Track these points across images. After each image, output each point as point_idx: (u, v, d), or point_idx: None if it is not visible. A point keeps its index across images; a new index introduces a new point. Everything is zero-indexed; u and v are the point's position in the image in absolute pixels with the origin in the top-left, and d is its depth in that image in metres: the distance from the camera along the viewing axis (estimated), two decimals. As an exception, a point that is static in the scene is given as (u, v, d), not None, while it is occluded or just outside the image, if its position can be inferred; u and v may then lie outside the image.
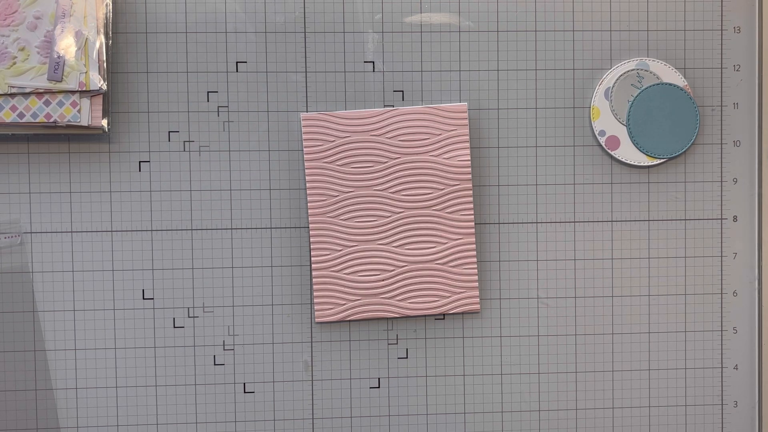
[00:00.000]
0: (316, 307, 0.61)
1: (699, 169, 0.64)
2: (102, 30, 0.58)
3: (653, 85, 0.62)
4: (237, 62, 0.61)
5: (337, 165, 0.61)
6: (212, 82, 0.61)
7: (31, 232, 0.60)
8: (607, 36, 0.63)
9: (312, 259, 0.61)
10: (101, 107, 0.58)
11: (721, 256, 0.64)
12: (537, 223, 0.62)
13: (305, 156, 0.60)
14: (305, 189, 0.61)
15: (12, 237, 0.60)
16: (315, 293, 0.61)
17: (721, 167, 0.64)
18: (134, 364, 0.61)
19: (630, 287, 0.63)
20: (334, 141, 0.61)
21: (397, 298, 0.61)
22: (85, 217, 0.61)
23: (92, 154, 0.61)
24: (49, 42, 0.57)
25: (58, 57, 0.57)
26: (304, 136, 0.61)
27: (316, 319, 0.61)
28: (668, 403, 0.64)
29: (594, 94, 0.63)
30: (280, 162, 0.61)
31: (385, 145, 0.61)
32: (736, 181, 0.64)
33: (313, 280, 0.61)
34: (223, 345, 0.62)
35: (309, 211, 0.60)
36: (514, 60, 0.62)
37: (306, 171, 0.61)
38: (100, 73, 0.57)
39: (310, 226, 0.61)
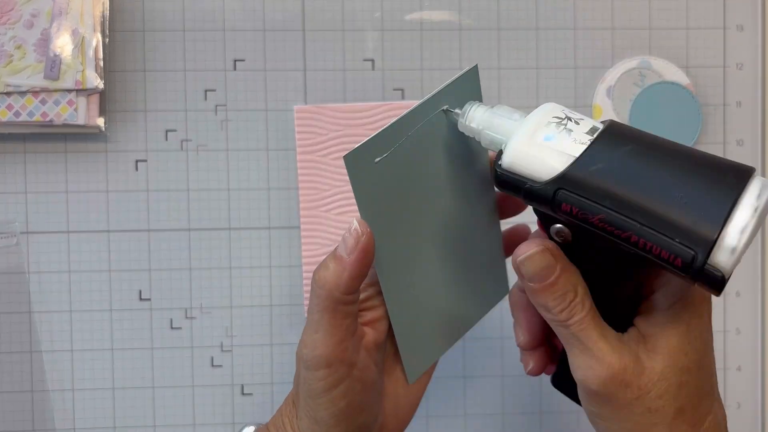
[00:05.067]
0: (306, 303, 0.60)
1: (701, 169, 0.64)
2: (99, 28, 0.57)
3: (655, 84, 0.62)
4: (235, 60, 0.61)
5: (330, 159, 0.60)
6: (210, 81, 0.60)
7: (27, 232, 0.60)
8: (609, 34, 0.63)
9: (303, 254, 0.60)
10: (98, 106, 0.58)
11: (724, 256, 0.64)
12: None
13: (298, 149, 0.60)
14: (304, 188, 0.61)
15: (8, 237, 0.60)
16: (305, 288, 0.60)
17: (724, 166, 0.64)
18: (131, 365, 0.61)
19: (632, 288, 0.63)
20: (327, 134, 0.60)
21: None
22: (82, 217, 0.60)
23: (89, 154, 0.60)
24: (46, 40, 0.57)
25: (55, 55, 0.57)
26: (297, 129, 0.60)
27: (306, 314, 0.60)
28: (671, 405, 0.64)
29: (596, 92, 0.62)
30: (279, 161, 0.61)
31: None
32: (739, 181, 0.64)
33: (304, 275, 0.60)
34: (221, 346, 0.61)
35: (300, 205, 0.60)
36: (515, 58, 0.62)
37: (298, 164, 0.60)
38: (96, 72, 0.57)
39: (301, 220, 0.60)
